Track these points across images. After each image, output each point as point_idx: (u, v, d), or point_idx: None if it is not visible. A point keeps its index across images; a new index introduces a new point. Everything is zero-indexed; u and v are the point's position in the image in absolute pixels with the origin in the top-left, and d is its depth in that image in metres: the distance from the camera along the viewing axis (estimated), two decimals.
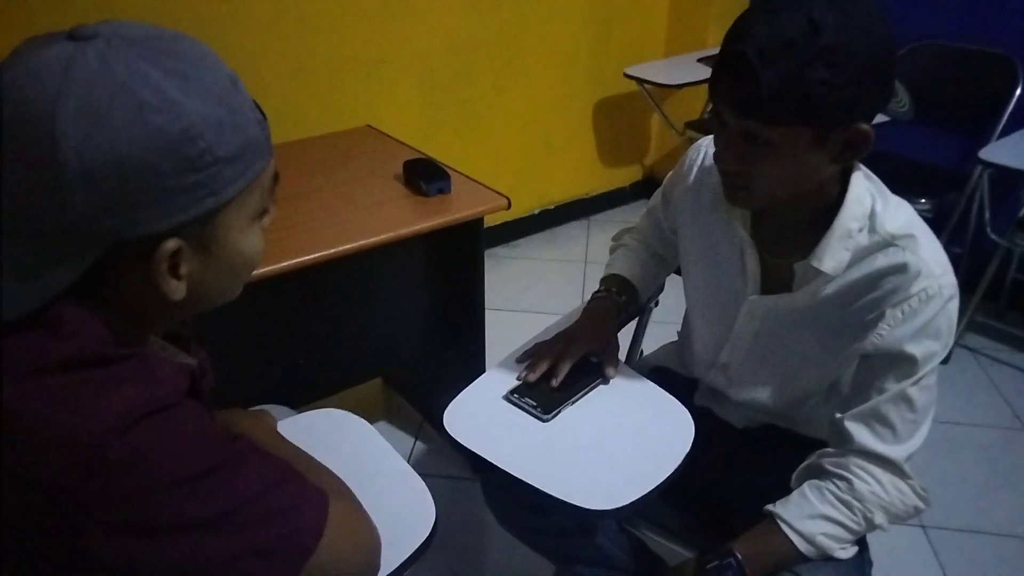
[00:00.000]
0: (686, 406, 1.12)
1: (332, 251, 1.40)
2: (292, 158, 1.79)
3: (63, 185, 0.56)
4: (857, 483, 0.99)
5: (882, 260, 0.97)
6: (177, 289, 0.65)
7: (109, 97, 0.56)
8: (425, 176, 1.61)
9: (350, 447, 1.02)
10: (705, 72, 2.83)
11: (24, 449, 0.56)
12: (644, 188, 3.47)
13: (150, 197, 0.59)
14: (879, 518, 1.00)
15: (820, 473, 1.04)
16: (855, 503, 0.99)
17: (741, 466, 1.22)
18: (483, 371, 1.20)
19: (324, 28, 2.27)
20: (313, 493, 0.70)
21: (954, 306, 0.98)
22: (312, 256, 1.38)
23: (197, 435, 0.62)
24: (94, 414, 0.57)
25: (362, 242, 1.44)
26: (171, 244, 0.62)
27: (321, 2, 2.23)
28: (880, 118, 0.91)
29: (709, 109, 0.89)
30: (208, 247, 0.65)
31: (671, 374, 1.34)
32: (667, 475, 1.00)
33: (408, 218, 1.52)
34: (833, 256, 0.99)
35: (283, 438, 0.93)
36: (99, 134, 0.56)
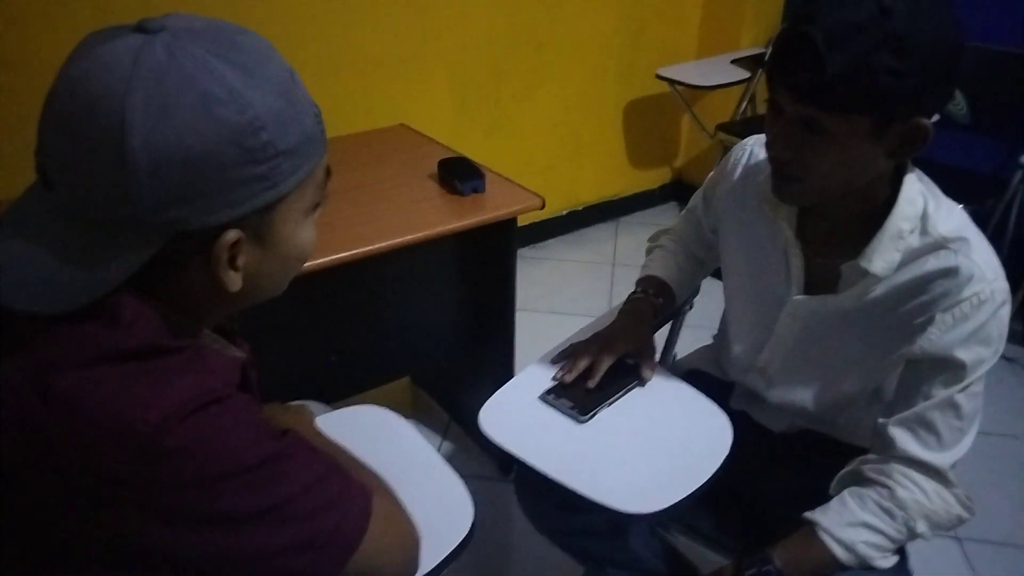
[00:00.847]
0: (722, 409, 1.11)
1: (367, 248, 1.41)
2: (327, 155, 1.80)
3: (130, 176, 0.57)
4: (900, 490, 0.97)
5: (933, 263, 0.95)
6: (235, 280, 0.65)
7: (176, 89, 0.57)
8: (460, 175, 1.61)
9: (387, 444, 1.03)
10: (739, 74, 2.81)
11: (80, 438, 0.57)
12: (673, 191, 3.44)
13: (213, 188, 0.59)
14: (921, 527, 0.98)
15: (861, 480, 1.02)
16: (897, 511, 0.97)
17: (778, 471, 1.20)
18: (512, 372, 1.20)
19: (357, 26, 2.28)
20: (358, 488, 0.70)
21: (1006, 312, 0.96)
22: (348, 253, 1.39)
23: (250, 427, 0.62)
24: (151, 404, 0.57)
25: (397, 240, 1.44)
26: (231, 235, 0.62)
27: (352, 1, 2.24)
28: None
29: (764, 99, 0.87)
30: (265, 239, 0.66)
31: (706, 377, 1.33)
32: (704, 479, 0.99)
33: (443, 217, 1.52)
34: (883, 257, 0.97)
35: (322, 434, 0.93)
36: (166, 125, 0.56)
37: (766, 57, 3.02)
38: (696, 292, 1.47)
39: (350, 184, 1.64)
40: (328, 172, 0.72)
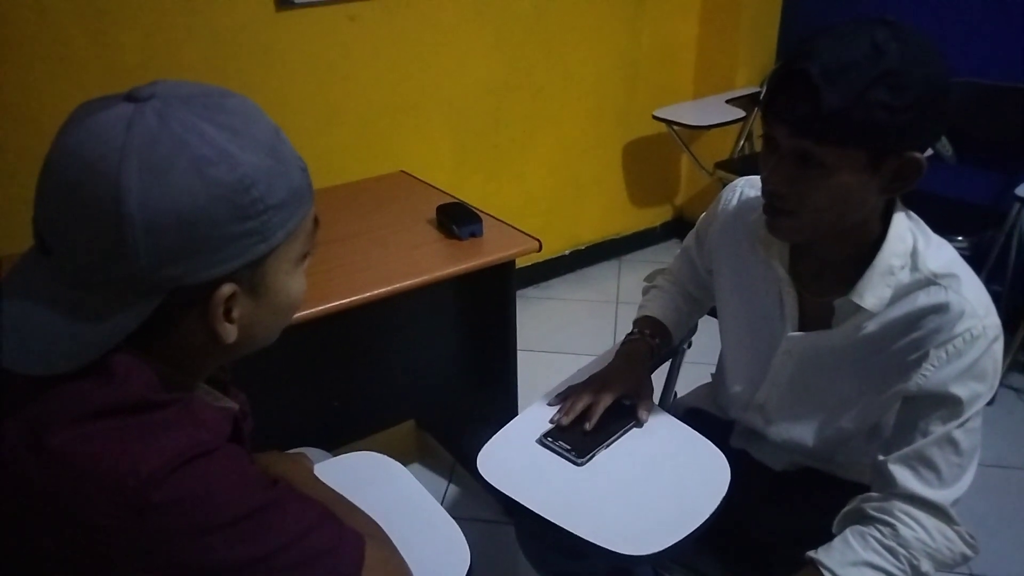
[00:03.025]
0: (722, 448, 1.11)
1: (367, 295, 1.43)
2: (327, 204, 1.83)
3: (127, 237, 0.59)
4: (902, 529, 0.97)
5: (924, 299, 0.96)
6: (230, 332, 0.67)
7: (169, 153, 0.59)
8: (458, 220, 1.63)
9: (385, 490, 1.03)
10: (735, 113, 2.85)
11: (71, 491, 0.58)
12: (675, 228, 3.47)
13: (208, 245, 0.61)
14: (925, 566, 0.97)
15: (863, 518, 1.01)
16: (900, 550, 0.96)
17: (779, 509, 1.19)
18: (515, 412, 1.21)
19: (357, 75, 2.33)
20: (350, 536, 0.71)
21: (999, 347, 0.96)
22: (348, 300, 1.41)
23: (239, 479, 0.64)
24: (140, 458, 0.58)
25: (396, 285, 1.46)
26: (227, 289, 0.65)
27: (354, 50, 2.30)
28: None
29: (758, 135, 0.88)
30: (258, 290, 0.68)
31: (706, 416, 1.33)
32: (703, 520, 0.98)
33: (441, 261, 1.54)
34: (874, 292, 0.98)
35: (320, 481, 0.94)
36: (161, 188, 0.59)
37: (761, 96, 3.07)
38: (694, 331, 1.48)
39: (350, 231, 1.67)
40: (316, 222, 0.74)
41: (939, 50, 0.87)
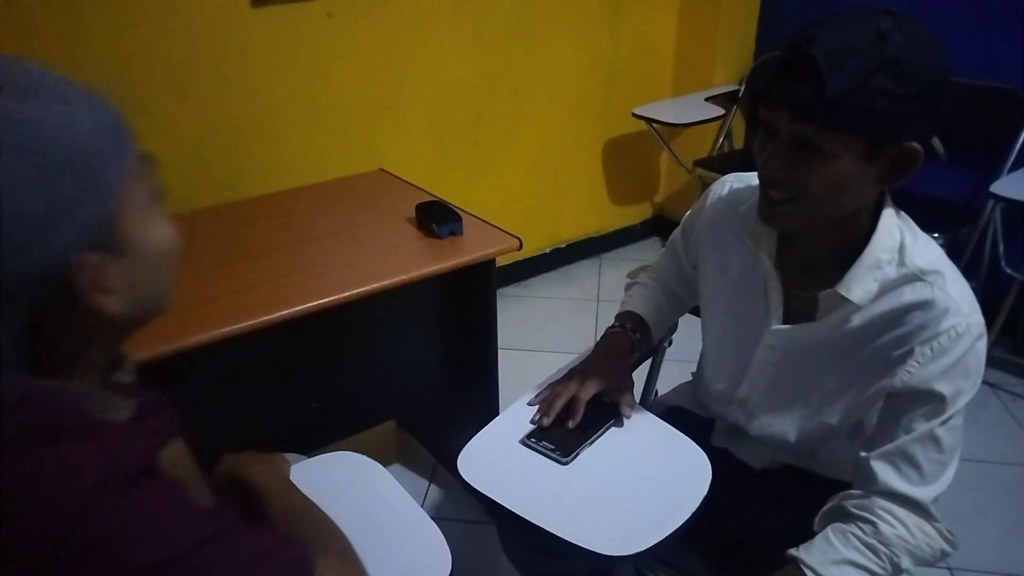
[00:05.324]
0: (703, 447, 1.11)
1: (346, 294, 1.41)
2: (306, 202, 1.81)
3: None
4: (882, 526, 0.97)
5: (909, 294, 0.97)
6: (113, 302, 0.65)
7: None
8: (437, 218, 1.62)
9: (364, 491, 1.02)
10: (714, 111, 2.86)
11: None
12: (655, 226, 3.48)
13: (43, 224, 0.59)
14: (905, 562, 0.97)
15: (844, 516, 1.02)
16: (880, 547, 0.97)
17: (760, 507, 1.20)
18: (497, 411, 1.20)
19: (336, 72, 2.32)
20: (295, 564, 0.68)
21: (982, 346, 0.97)
22: (327, 299, 1.39)
23: (164, 515, 0.60)
24: (55, 495, 0.56)
25: (375, 285, 1.44)
26: (87, 259, 0.62)
27: (331, 47, 2.28)
28: None
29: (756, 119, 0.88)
30: (121, 248, 0.65)
31: (687, 414, 1.33)
32: (684, 519, 0.98)
33: (421, 261, 1.53)
34: (861, 285, 0.98)
35: (293, 486, 0.92)
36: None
37: (740, 94, 3.08)
38: (674, 329, 1.48)
39: (328, 230, 1.65)
40: (149, 160, 0.70)
41: (940, 44, 0.88)
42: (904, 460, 0.98)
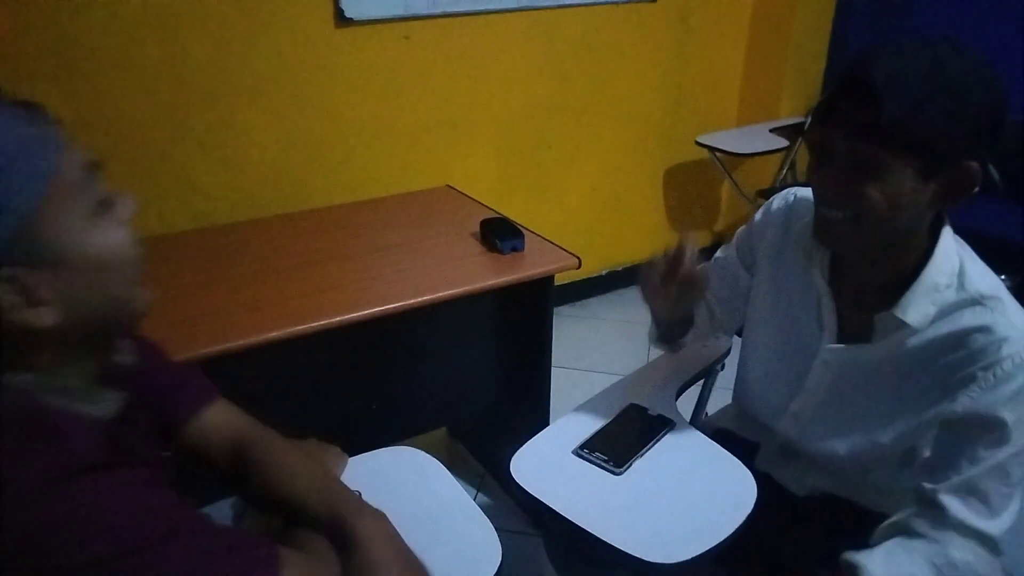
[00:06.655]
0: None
1: (411, 302, 1.48)
2: (375, 214, 1.90)
3: None
4: (955, 552, 0.94)
5: (969, 318, 0.96)
6: (44, 315, 0.63)
7: None
8: (500, 234, 1.68)
9: (421, 485, 1.07)
10: (778, 142, 2.87)
11: None
12: (713, 253, 3.47)
13: None
14: None
15: (911, 532, 0.98)
16: (948, 571, 0.94)
17: (799, 534, 1.20)
18: (547, 426, 1.23)
19: (409, 92, 2.41)
20: (263, 560, 0.68)
21: None
22: (391, 306, 1.46)
23: (113, 509, 0.60)
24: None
25: (439, 294, 1.51)
26: (3, 273, 0.60)
27: (408, 68, 2.38)
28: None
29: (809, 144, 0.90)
30: (48, 260, 0.63)
31: (733, 437, 1.34)
32: (728, 533, 1.01)
33: (483, 274, 1.59)
34: (919, 308, 0.98)
35: (334, 476, 0.94)
36: None
37: (805, 126, 3.06)
38: (727, 353, 1.50)
39: (396, 241, 1.73)
40: (93, 166, 0.67)
41: (997, 72, 0.89)
42: (974, 494, 0.95)
